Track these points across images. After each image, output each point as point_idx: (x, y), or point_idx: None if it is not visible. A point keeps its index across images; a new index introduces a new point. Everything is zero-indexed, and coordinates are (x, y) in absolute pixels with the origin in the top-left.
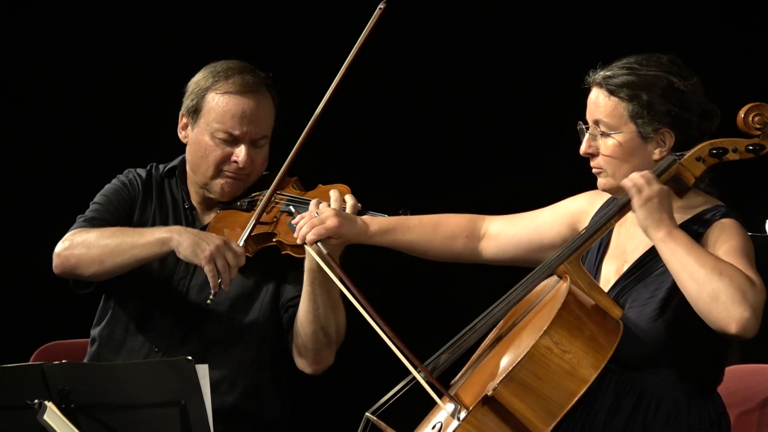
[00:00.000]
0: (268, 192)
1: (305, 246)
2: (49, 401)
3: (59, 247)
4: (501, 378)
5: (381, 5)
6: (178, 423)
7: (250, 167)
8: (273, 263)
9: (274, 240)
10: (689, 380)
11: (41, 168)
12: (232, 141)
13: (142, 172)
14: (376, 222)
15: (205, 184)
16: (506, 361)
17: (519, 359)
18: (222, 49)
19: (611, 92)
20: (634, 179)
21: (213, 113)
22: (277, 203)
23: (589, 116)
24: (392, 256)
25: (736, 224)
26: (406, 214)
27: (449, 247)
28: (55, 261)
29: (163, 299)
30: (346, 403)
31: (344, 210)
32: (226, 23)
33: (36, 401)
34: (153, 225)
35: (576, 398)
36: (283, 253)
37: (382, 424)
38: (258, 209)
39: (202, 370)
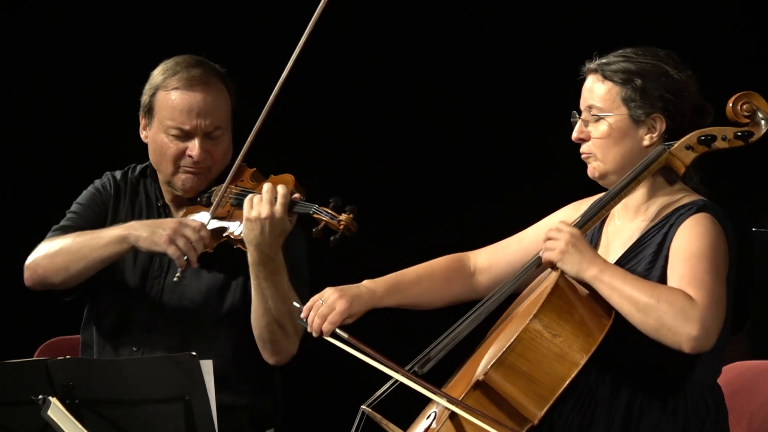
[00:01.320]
0: (223, 186)
1: (324, 337)
2: (53, 397)
3: (28, 260)
4: (491, 362)
5: None
6: (182, 418)
7: (207, 160)
8: (242, 256)
9: (224, 235)
10: (684, 371)
11: (42, 165)
12: (185, 136)
13: (118, 173)
14: (379, 285)
15: (168, 181)
16: (497, 348)
17: (509, 343)
18: (195, 45)
19: (605, 77)
20: (544, 246)
21: (163, 111)
22: (231, 197)
23: (583, 103)
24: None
25: (707, 220)
26: (337, 204)
27: (448, 291)
28: (25, 274)
29: (141, 299)
30: (341, 397)
31: (276, 201)
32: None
33: (40, 397)
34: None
35: (567, 382)
36: (235, 247)
37: (378, 417)
38: (214, 204)
39: (207, 366)
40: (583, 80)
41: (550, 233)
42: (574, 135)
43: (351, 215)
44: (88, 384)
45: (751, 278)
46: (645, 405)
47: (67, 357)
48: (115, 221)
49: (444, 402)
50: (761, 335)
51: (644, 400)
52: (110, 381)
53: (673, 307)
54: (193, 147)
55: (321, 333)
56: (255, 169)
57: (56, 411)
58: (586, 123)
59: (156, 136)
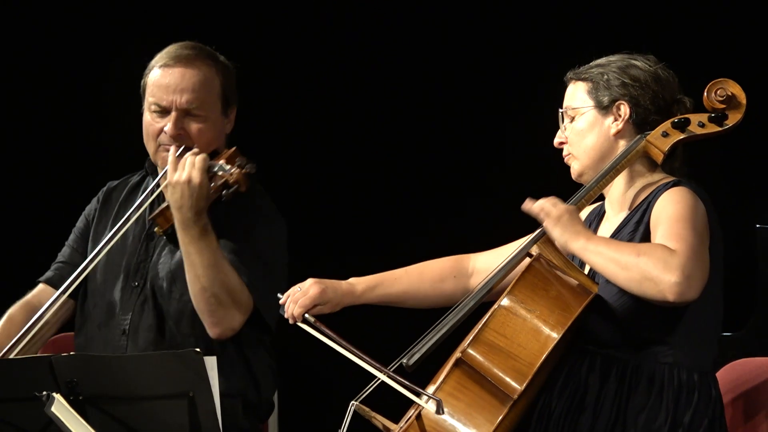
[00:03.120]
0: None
1: (298, 324)
2: (57, 393)
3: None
4: (469, 341)
5: None
6: (186, 415)
7: (184, 139)
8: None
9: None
10: (673, 352)
11: (46, 163)
12: (163, 112)
13: (116, 181)
14: (362, 281)
15: (156, 163)
16: (475, 329)
17: (484, 320)
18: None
19: (577, 78)
20: (541, 205)
21: (148, 89)
22: None
23: (561, 110)
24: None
25: (683, 191)
26: (242, 162)
27: (439, 290)
28: None
29: (125, 289)
30: (332, 392)
31: (195, 166)
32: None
33: (44, 393)
34: (113, 224)
35: (544, 355)
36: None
37: (366, 409)
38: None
39: (210, 362)
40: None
41: (551, 199)
42: (555, 141)
43: (242, 169)
44: (92, 380)
45: (754, 275)
46: (633, 388)
47: (71, 353)
48: (99, 226)
49: (414, 397)
50: (765, 332)
51: (632, 383)
52: (114, 377)
53: (652, 257)
54: (167, 124)
55: (295, 320)
56: (235, 147)
57: (60, 407)
58: (564, 128)
59: (144, 116)
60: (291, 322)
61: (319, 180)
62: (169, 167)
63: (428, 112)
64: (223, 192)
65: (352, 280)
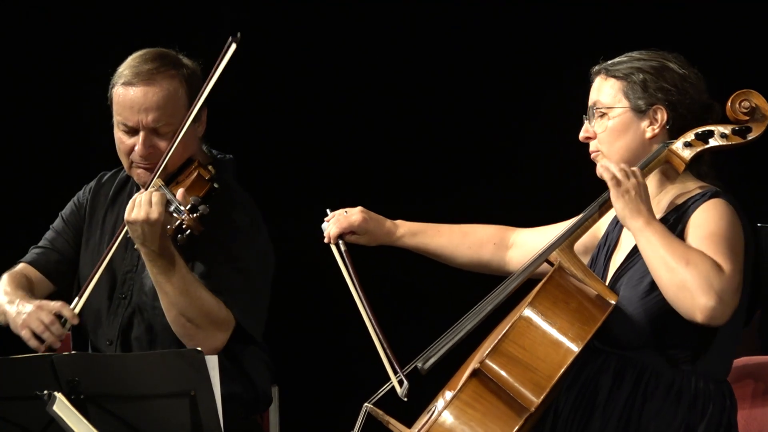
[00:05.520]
0: (153, 179)
1: (330, 245)
2: (58, 392)
3: None
4: (488, 351)
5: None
6: (187, 413)
7: (154, 156)
8: (186, 244)
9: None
10: (690, 360)
11: (48, 160)
12: (131, 131)
13: (107, 174)
14: (405, 224)
15: (132, 177)
16: (494, 337)
17: (504, 331)
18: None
19: (609, 75)
20: (613, 171)
21: (115, 107)
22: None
23: (589, 104)
24: (403, 256)
25: (722, 204)
26: (195, 203)
27: (477, 254)
28: None
29: (114, 299)
30: (345, 395)
31: (151, 204)
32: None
33: (45, 392)
34: (103, 226)
35: (563, 369)
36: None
37: (380, 413)
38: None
39: (212, 361)
40: (591, 84)
41: (625, 168)
42: (581, 135)
43: (194, 214)
44: (94, 379)
45: (758, 273)
46: (648, 393)
47: (73, 352)
48: (91, 223)
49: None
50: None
51: (647, 387)
52: (115, 376)
53: (700, 272)
54: (137, 142)
55: (329, 240)
56: (198, 171)
57: (62, 406)
58: (592, 122)
59: (114, 130)
60: (326, 241)
61: (324, 176)
62: (128, 206)
63: (429, 108)
64: (178, 236)
65: (397, 221)
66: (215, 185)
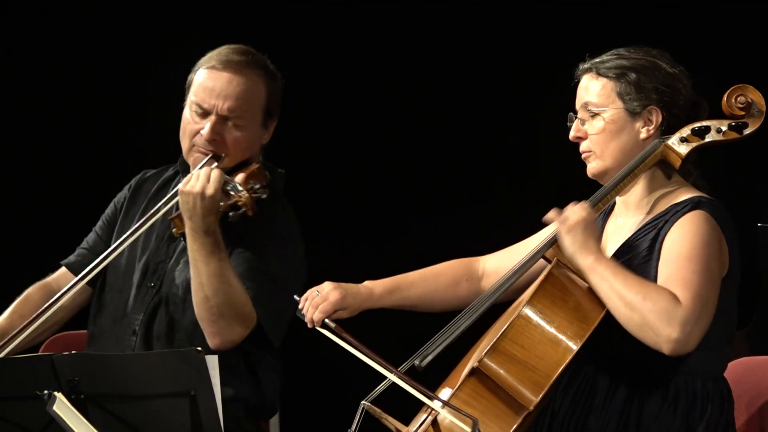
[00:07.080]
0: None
1: (317, 328)
2: (58, 392)
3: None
4: (486, 350)
5: None
6: (188, 414)
7: (218, 145)
8: (226, 242)
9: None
10: (686, 361)
11: (52, 160)
12: (203, 114)
13: (152, 171)
14: (378, 285)
15: (188, 162)
16: (492, 336)
17: (502, 330)
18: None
19: (600, 74)
20: (560, 211)
21: (193, 87)
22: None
23: (578, 102)
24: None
25: (701, 218)
26: (254, 185)
27: (454, 294)
28: None
29: (141, 287)
30: (342, 392)
31: (209, 179)
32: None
33: (45, 392)
34: (140, 217)
35: (562, 367)
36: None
37: (378, 412)
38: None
39: (212, 361)
40: (578, 82)
41: (571, 206)
42: (571, 134)
43: (252, 194)
44: (94, 379)
45: (756, 273)
46: (646, 394)
47: (73, 352)
48: (128, 216)
49: (429, 402)
50: (766, 330)
51: (645, 389)
52: (116, 376)
53: (657, 306)
54: (205, 126)
55: (314, 325)
56: (259, 165)
57: (62, 406)
58: (582, 122)
59: (184, 112)
60: (310, 326)
61: (329, 182)
62: (185, 178)
63: (431, 112)
64: (230, 213)
65: (368, 283)
66: (266, 190)
